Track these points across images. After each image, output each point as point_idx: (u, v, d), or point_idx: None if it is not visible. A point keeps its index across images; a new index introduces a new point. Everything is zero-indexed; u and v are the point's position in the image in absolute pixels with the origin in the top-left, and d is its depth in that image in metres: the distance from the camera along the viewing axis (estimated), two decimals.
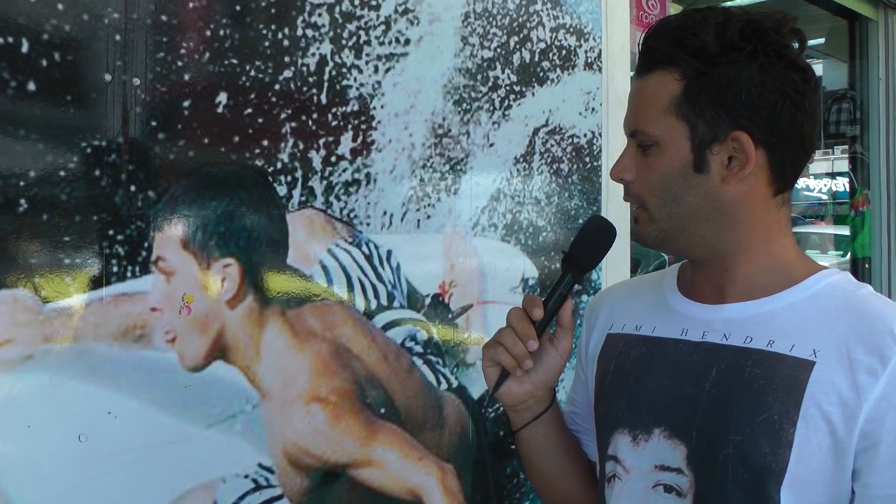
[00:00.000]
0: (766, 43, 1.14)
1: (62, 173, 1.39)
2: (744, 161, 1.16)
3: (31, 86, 1.35)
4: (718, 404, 1.15)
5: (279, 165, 1.69)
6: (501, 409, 1.40)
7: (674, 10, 3.32)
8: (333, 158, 1.80)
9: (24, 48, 1.35)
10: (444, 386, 2.03)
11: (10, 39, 1.33)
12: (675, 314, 1.27)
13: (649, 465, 1.20)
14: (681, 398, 1.19)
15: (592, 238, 1.32)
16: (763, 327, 1.17)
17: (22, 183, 1.35)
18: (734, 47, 1.14)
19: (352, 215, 1.84)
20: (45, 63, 1.37)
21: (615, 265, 2.45)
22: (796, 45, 1.17)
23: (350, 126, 1.83)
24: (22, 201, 1.35)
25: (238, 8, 1.63)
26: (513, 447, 1.37)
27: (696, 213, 1.19)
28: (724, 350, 1.18)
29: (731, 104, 1.14)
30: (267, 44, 1.67)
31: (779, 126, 1.15)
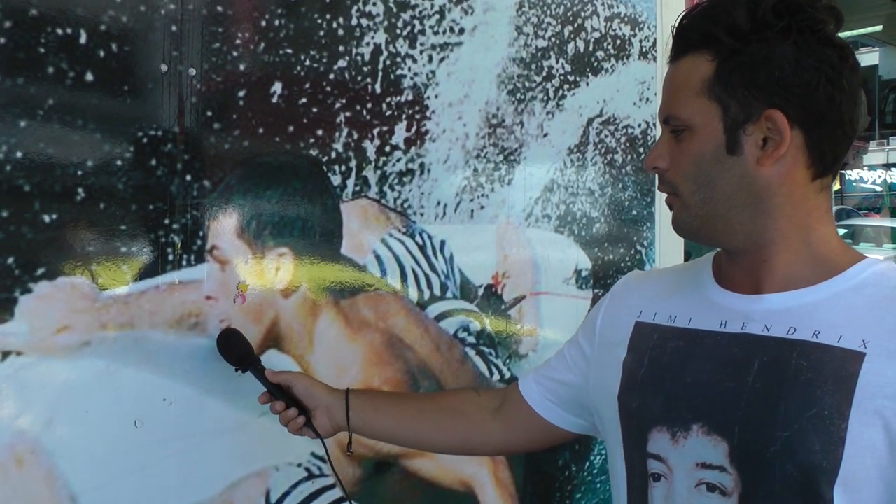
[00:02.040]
0: (799, 19, 1.09)
1: (119, 163, 1.39)
2: (779, 141, 1.10)
3: (89, 76, 1.35)
4: (762, 399, 1.10)
5: (333, 155, 1.68)
6: None
7: None
8: (387, 148, 1.78)
9: (83, 39, 1.34)
10: (496, 377, 2.01)
11: (69, 31, 1.33)
12: (712, 305, 1.21)
13: (691, 462, 1.15)
14: (721, 393, 1.14)
15: (227, 348, 1.49)
16: (807, 318, 1.11)
17: (80, 172, 1.35)
18: (767, 24, 1.09)
19: (405, 205, 1.82)
20: (102, 54, 1.36)
21: (668, 258, 2.41)
22: (833, 23, 1.11)
23: (404, 116, 1.81)
24: (80, 190, 1.35)
25: None
26: (350, 453, 1.51)
27: (731, 198, 1.14)
28: (767, 342, 1.13)
29: (764, 82, 1.09)
30: (321, 33, 1.65)
31: (815, 105, 1.09)
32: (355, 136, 1.71)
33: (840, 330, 1.09)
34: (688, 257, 2.56)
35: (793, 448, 1.06)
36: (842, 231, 15.27)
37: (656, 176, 1.25)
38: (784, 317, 1.13)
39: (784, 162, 1.11)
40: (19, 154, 1.28)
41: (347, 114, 1.70)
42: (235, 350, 1.48)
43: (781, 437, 1.07)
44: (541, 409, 1.45)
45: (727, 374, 1.14)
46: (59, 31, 1.32)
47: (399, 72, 1.79)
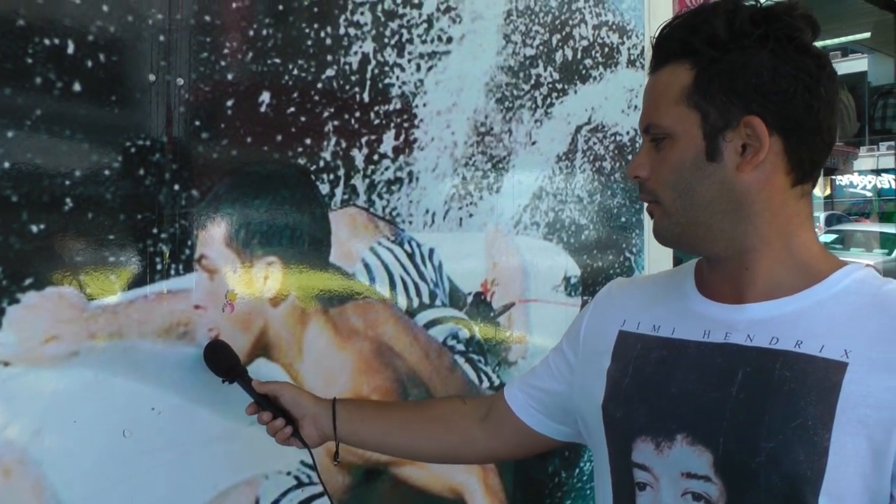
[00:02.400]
0: (776, 27, 1.10)
1: (107, 172, 1.39)
2: (758, 147, 1.11)
3: (77, 86, 1.35)
4: (746, 409, 1.10)
5: (322, 164, 1.68)
6: None
7: None
8: (376, 157, 1.78)
9: (70, 49, 1.35)
10: (485, 384, 2.01)
11: (57, 41, 1.34)
12: (695, 315, 1.22)
13: (676, 472, 1.15)
14: (705, 403, 1.14)
15: (214, 359, 1.49)
16: (789, 327, 1.12)
17: (67, 182, 1.35)
18: (744, 33, 1.10)
19: (394, 213, 1.82)
20: (90, 64, 1.37)
21: (657, 264, 2.42)
22: (810, 32, 1.12)
23: (392, 124, 1.81)
24: (68, 200, 1.35)
25: (281, 7, 1.62)
26: (336, 462, 1.52)
27: (712, 205, 1.14)
28: (750, 352, 1.13)
29: (742, 89, 1.10)
30: (309, 43, 1.66)
31: (793, 112, 1.10)
32: (343, 144, 1.72)
33: (822, 339, 1.09)
34: (677, 263, 2.57)
35: (777, 458, 1.06)
36: (832, 236, 15.29)
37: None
38: (766, 326, 1.13)
39: (763, 168, 1.12)
40: (7, 164, 1.29)
41: (336, 123, 1.70)
42: (222, 362, 1.49)
43: (766, 448, 1.07)
44: (526, 417, 1.45)
45: (711, 384, 1.14)
46: (47, 42, 1.32)
47: (387, 80, 1.80)
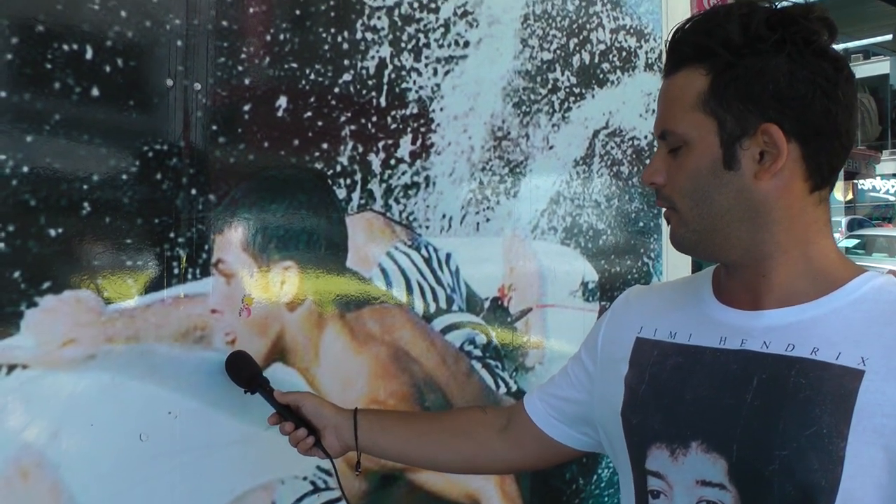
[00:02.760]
0: (793, 31, 1.08)
1: (124, 177, 1.40)
2: (776, 155, 1.09)
3: (95, 91, 1.36)
4: (761, 417, 1.09)
5: (339, 168, 1.69)
6: None
7: None
8: (393, 161, 1.79)
9: (89, 55, 1.36)
10: (502, 390, 2.01)
11: (75, 46, 1.35)
12: (712, 321, 1.21)
13: (691, 480, 1.14)
14: (719, 410, 1.13)
15: (235, 370, 1.50)
16: (806, 334, 1.11)
17: (85, 186, 1.36)
18: (760, 37, 1.08)
19: (411, 218, 1.82)
20: (108, 69, 1.38)
21: (676, 270, 2.41)
22: (826, 35, 1.11)
23: (409, 129, 1.81)
24: (85, 204, 1.36)
25: (298, 12, 1.62)
26: (358, 472, 1.52)
27: (729, 213, 1.13)
28: (766, 359, 1.12)
29: (759, 96, 1.09)
30: (326, 47, 1.66)
31: (811, 117, 1.09)
32: (360, 149, 1.72)
33: (839, 347, 1.08)
34: (696, 269, 2.56)
35: (791, 467, 1.05)
36: (854, 241, 15.20)
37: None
38: (783, 333, 1.12)
39: (782, 175, 1.11)
40: (26, 169, 1.30)
41: (352, 127, 1.71)
42: (244, 372, 1.50)
43: (780, 456, 1.06)
44: (546, 427, 1.44)
45: (726, 391, 1.13)
46: (66, 47, 1.33)
47: (404, 85, 1.80)
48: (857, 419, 1.03)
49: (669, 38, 1.19)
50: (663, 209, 1.22)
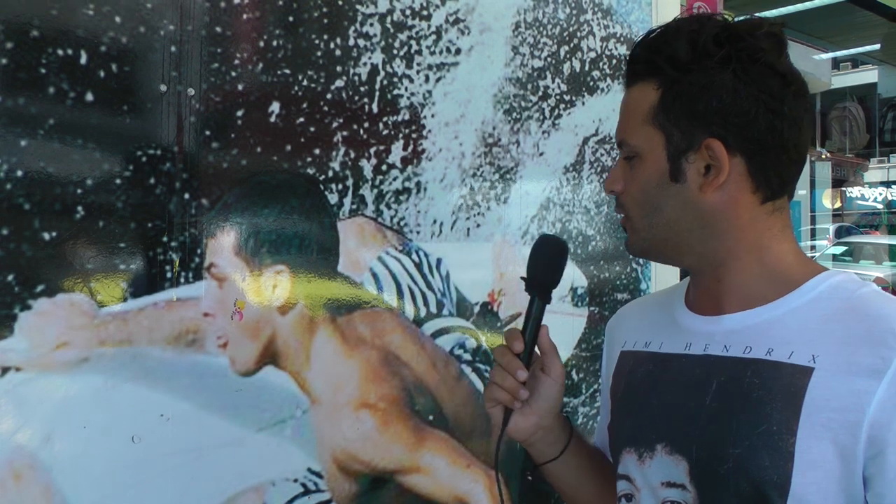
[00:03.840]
0: (739, 48, 1.10)
1: (118, 181, 1.41)
2: (719, 169, 1.11)
3: (89, 96, 1.37)
4: (718, 418, 1.11)
5: (330, 174, 1.70)
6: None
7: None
8: (384, 167, 1.79)
9: (83, 60, 1.37)
10: None
11: (70, 51, 1.35)
12: (680, 328, 1.23)
13: (657, 481, 1.16)
14: (682, 413, 1.15)
15: (546, 256, 1.30)
16: (762, 336, 1.12)
17: (79, 190, 1.36)
18: (707, 53, 1.10)
19: (402, 223, 1.83)
20: (102, 74, 1.38)
21: (664, 276, 2.42)
22: (775, 50, 1.12)
23: (401, 135, 1.82)
24: (79, 208, 1.37)
25: (291, 19, 1.63)
26: (530, 478, 1.34)
27: (677, 223, 1.15)
28: (725, 362, 1.14)
29: (703, 112, 1.11)
30: (319, 54, 1.67)
31: (754, 133, 1.11)
32: (352, 154, 1.73)
33: (792, 346, 1.09)
34: (684, 274, 2.57)
35: (744, 464, 1.07)
36: (842, 249, 15.25)
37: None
38: (741, 336, 1.14)
39: (727, 188, 1.13)
40: (20, 172, 1.30)
41: (345, 133, 1.72)
42: (553, 272, 1.29)
43: (734, 455, 1.08)
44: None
45: (689, 395, 1.15)
46: (60, 52, 1.34)
47: (396, 91, 1.81)
48: (806, 415, 1.05)
49: (629, 52, 1.21)
50: (620, 216, 1.24)
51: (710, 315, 1.19)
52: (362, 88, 1.75)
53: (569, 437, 1.33)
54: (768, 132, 1.11)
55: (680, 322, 1.24)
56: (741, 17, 1.17)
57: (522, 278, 1.29)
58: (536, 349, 1.28)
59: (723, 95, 1.10)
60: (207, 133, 1.52)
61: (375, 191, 1.78)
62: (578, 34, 2.22)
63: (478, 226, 2.00)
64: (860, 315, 1.09)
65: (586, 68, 2.24)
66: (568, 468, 1.35)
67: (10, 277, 1.30)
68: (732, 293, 1.17)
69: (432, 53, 1.87)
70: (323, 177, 1.69)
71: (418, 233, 1.87)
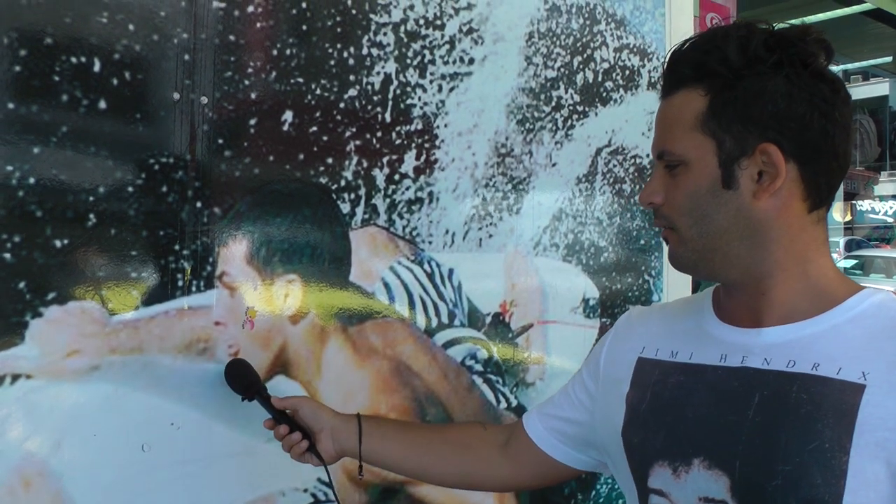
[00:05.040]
0: (790, 53, 1.09)
1: (130, 189, 1.40)
2: (774, 174, 1.10)
3: (102, 104, 1.37)
4: (763, 433, 1.09)
5: (343, 183, 1.69)
6: None
7: None
8: (397, 176, 1.78)
9: (96, 68, 1.36)
10: (503, 405, 2.00)
11: (83, 59, 1.35)
12: (712, 339, 1.20)
13: (693, 497, 1.13)
14: (721, 427, 1.12)
15: (234, 377, 1.49)
16: (806, 350, 1.10)
17: (91, 198, 1.36)
18: (759, 59, 1.09)
19: (414, 233, 1.82)
20: (115, 82, 1.38)
21: (676, 288, 2.40)
22: (824, 57, 1.11)
23: (414, 144, 1.81)
24: (91, 216, 1.36)
25: (304, 27, 1.63)
26: (361, 477, 1.49)
27: (728, 232, 1.13)
28: (766, 375, 1.11)
29: (758, 116, 1.09)
30: (332, 62, 1.67)
31: (809, 138, 1.09)
32: (365, 164, 1.72)
33: (839, 362, 1.07)
34: (696, 287, 2.55)
35: (795, 482, 1.05)
36: (852, 262, 15.19)
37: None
38: (783, 350, 1.12)
39: (780, 195, 1.11)
40: (32, 180, 1.30)
41: (357, 142, 1.71)
42: (242, 380, 1.48)
43: (783, 471, 1.05)
44: (546, 447, 1.43)
45: (728, 407, 1.13)
46: (74, 60, 1.34)
47: (409, 101, 1.80)
48: (859, 433, 1.03)
49: (667, 59, 1.19)
50: (661, 229, 1.22)
51: (746, 327, 1.17)
52: (375, 98, 1.74)
53: (358, 428, 1.46)
54: (822, 137, 1.10)
55: (712, 333, 1.21)
56: (782, 24, 1.15)
57: (242, 399, 1.47)
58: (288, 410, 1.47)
59: (777, 100, 1.08)
60: (220, 141, 1.51)
61: (388, 200, 1.77)
62: (592, 45, 2.21)
63: (490, 236, 1.99)
64: None
65: (599, 79, 2.23)
66: (382, 450, 1.48)
67: (22, 285, 1.29)
68: (774, 306, 1.15)
69: (445, 63, 1.87)
70: (335, 186, 1.68)
71: (430, 243, 1.85)
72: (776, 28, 1.13)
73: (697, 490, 1.13)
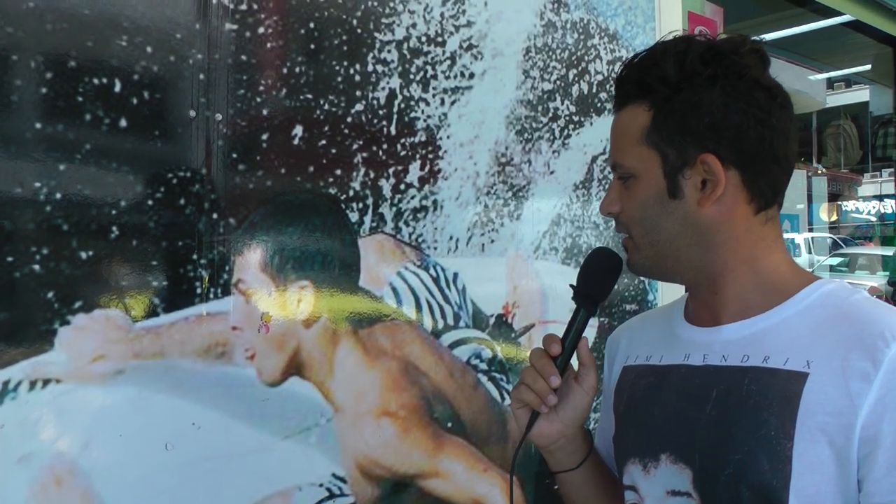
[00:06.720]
0: (725, 65, 1.09)
1: (150, 202, 1.41)
2: (715, 182, 1.10)
3: (123, 122, 1.37)
4: (718, 425, 1.09)
5: (351, 193, 1.69)
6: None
7: None
8: (402, 186, 1.79)
9: (117, 88, 1.37)
10: (507, 401, 2.01)
11: (105, 80, 1.36)
12: (679, 340, 1.21)
13: (661, 491, 1.14)
14: (684, 422, 1.13)
15: (599, 269, 1.26)
16: (759, 345, 1.10)
17: (114, 212, 1.37)
18: (695, 72, 1.09)
19: (420, 240, 1.83)
20: (135, 101, 1.39)
21: (670, 289, 2.41)
22: (760, 66, 1.12)
23: (418, 156, 1.82)
24: (114, 228, 1.37)
25: (312, 46, 1.63)
26: (555, 487, 1.31)
27: (678, 238, 1.13)
28: (724, 371, 1.12)
29: (696, 128, 1.09)
30: (339, 79, 1.67)
31: (746, 145, 1.09)
32: (372, 175, 1.73)
33: (787, 353, 1.08)
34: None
35: (744, 469, 1.05)
36: (837, 260, 15.16)
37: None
38: (739, 345, 1.12)
39: (724, 201, 1.11)
40: (59, 195, 1.30)
41: (364, 154, 1.72)
42: (595, 284, 1.24)
43: (734, 460, 1.06)
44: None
45: (690, 404, 1.13)
46: (96, 81, 1.34)
47: (413, 114, 1.81)
48: (802, 419, 1.03)
49: (617, 76, 1.19)
50: (622, 237, 1.22)
51: (707, 326, 1.17)
52: (381, 112, 1.75)
53: (588, 450, 1.29)
54: (759, 143, 1.10)
55: (679, 334, 1.22)
56: (722, 35, 1.16)
57: (571, 286, 1.24)
58: (574, 359, 1.22)
59: (713, 111, 1.09)
60: (234, 156, 1.52)
61: (394, 209, 1.77)
62: (586, 58, 2.21)
63: (492, 241, 1.99)
64: (851, 320, 1.07)
65: (594, 90, 2.24)
66: (583, 480, 1.30)
67: (50, 294, 1.30)
68: (729, 304, 1.15)
69: (447, 78, 1.87)
70: (344, 196, 1.68)
71: (435, 248, 1.86)
72: (715, 40, 1.13)
73: (665, 484, 1.14)
